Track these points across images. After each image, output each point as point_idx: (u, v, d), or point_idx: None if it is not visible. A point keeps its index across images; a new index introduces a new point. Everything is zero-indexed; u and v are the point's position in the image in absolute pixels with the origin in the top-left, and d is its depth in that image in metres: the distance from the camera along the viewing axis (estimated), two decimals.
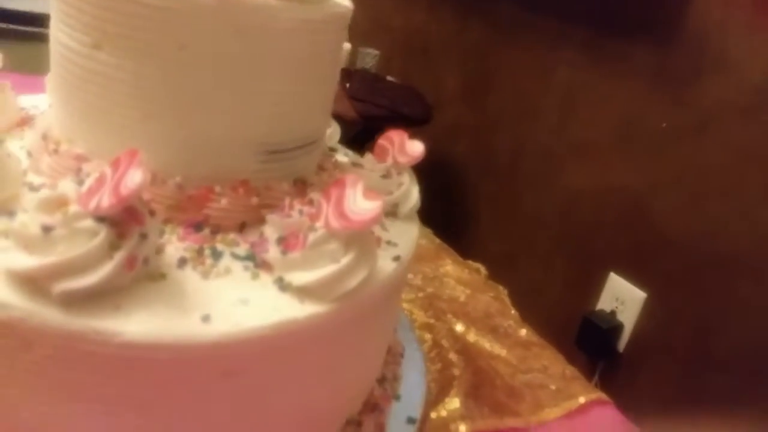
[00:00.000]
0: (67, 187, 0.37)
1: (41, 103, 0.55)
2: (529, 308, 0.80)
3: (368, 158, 0.56)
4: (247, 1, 0.41)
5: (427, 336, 0.67)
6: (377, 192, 0.42)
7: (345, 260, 0.40)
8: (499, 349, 0.68)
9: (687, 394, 1.09)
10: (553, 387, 0.63)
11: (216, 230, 0.44)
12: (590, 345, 1.23)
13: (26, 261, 0.34)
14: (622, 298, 1.24)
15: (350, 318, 0.42)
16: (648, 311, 1.20)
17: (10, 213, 0.39)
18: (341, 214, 0.40)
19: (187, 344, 0.35)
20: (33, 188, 0.43)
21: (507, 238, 1.49)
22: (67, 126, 0.45)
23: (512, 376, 0.64)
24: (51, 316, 0.34)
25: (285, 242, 0.41)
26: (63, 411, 0.36)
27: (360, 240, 0.41)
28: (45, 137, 0.46)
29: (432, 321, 0.69)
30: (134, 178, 0.34)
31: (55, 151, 0.44)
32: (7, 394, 0.36)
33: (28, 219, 0.35)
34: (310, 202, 0.43)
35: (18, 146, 0.48)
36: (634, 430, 0.61)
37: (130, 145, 0.37)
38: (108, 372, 0.35)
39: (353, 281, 0.40)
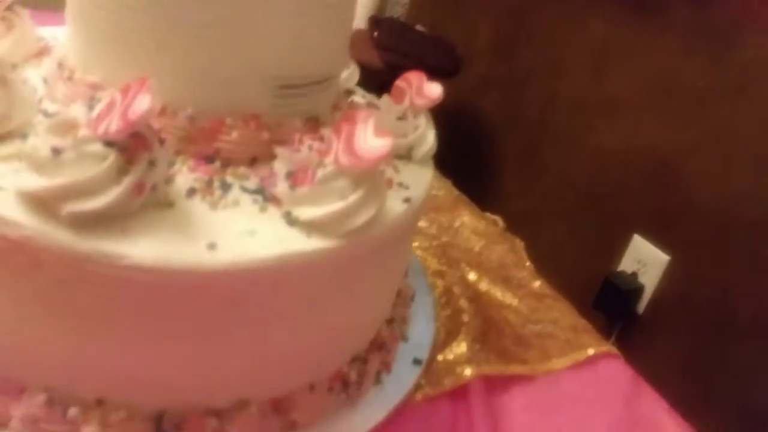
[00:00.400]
0: (77, 111, 0.37)
1: (60, 34, 0.55)
2: (548, 267, 0.79)
3: (385, 99, 0.55)
4: None
5: (439, 282, 0.67)
6: (390, 131, 0.41)
7: (353, 197, 0.40)
8: (510, 299, 0.68)
9: (707, 358, 1.08)
10: (562, 338, 0.63)
11: (227, 163, 0.44)
12: (609, 306, 1.22)
13: (36, 182, 0.35)
14: (645, 260, 1.22)
15: (356, 255, 0.42)
16: (670, 274, 1.18)
17: (24, 137, 0.39)
18: (351, 151, 0.40)
19: (191, 270, 0.36)
20: (47, 115, 0.43)
21: (529, 195, 1.47)
22: (82, 55, 0.45)
23: (522, 325, 0.64)
24: (60, 236, 0.34)
25: (294, 177, 0.41)
26: (70, 330, 0.37)
27: (369, 178, 0.41)
28: (61, 65, 0.46)
29: (444, 268, 0.69)
30: (142, 103, 0.34)
31: (70, 79, 0.44)
32: (17, 312, 0.38)
33: (39, 142, 0.36)
34: (321, 138, 0.42)
35: (35, 74, 0.48)
36: (643, 385, 0.60)
37: (143, 75, 0.36)
38: (113, 294, 0.36)
39: (360, 219, 0.40)
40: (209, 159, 0.43)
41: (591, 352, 0.62)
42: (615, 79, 1.26)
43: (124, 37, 0.43)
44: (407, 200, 0.46)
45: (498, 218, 0.85)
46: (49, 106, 0.44)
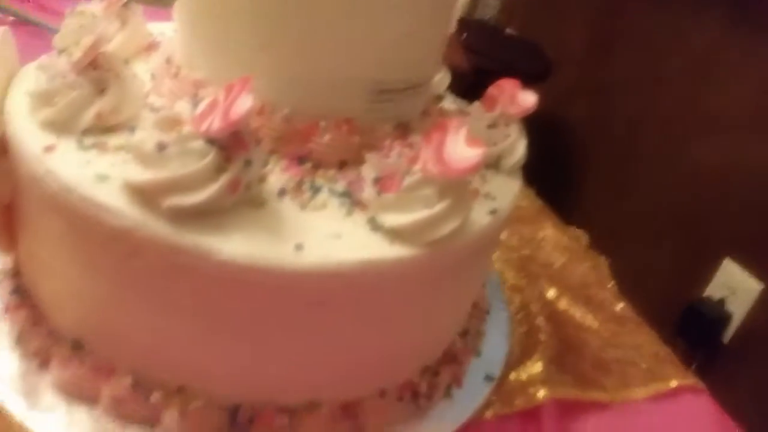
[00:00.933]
0: (182, 108, 0.38)
1: (168, 30, 0.57)
2: (629, 287, 0.76)
3: (476, 106, 0.54)
4: None
5: (516, 297, 0.66)
6: (481, 140, 0.40)
7: (438, 207, 0.40)
8: (591, 321, 0.65)
9: None
10: (643, 366, 0.60)
11: (317, 165, 0.44)
12: (692, 333, 1.16)
13: (141, 175, 0.37)
14: (735, 287, 1.15)
15: (438, 265, 0.42)
16: (763, 304, 1.11)
17: (132, 130, 0.42)
18: (440, 160, 0.40)
19: (279, 270, 0.36)
20: (153, 109, 0.45)
21: (614, 210, 1.42)
22: (189, 52, 0.47)
23: (601, 349, 0.61)
24: (159, 228, 0.36)
25: (381, 183, 0.41)
26: (159, 318, 0.39)
27: (456, 188, 0.40)
28: (168, 61, 0.48)
29: (523, 283, 0.68)
30: (243, 104, 0.35)
31: (176, 75, 0.46)
32: (113, 296, 0.40)
33: (146, 136, 0.37)
34: (411, 145, 0.42)
35: (144, 69, 0.50)
36: (731, 425, 0.57)
37: (245, 74, 0.38)
38: (203, 287, 0.37)
39: (445, 229, 0.40)
40: (301, 160, 0.44)
41: (674, 384, 0.58)
42: (718, 92, 1.19)
43: (228, 36, 0.44)
44: (493, 212, 0.45)
45: (582, 233, 0.82)
46: (156, 101, 0.46)
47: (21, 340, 0.45)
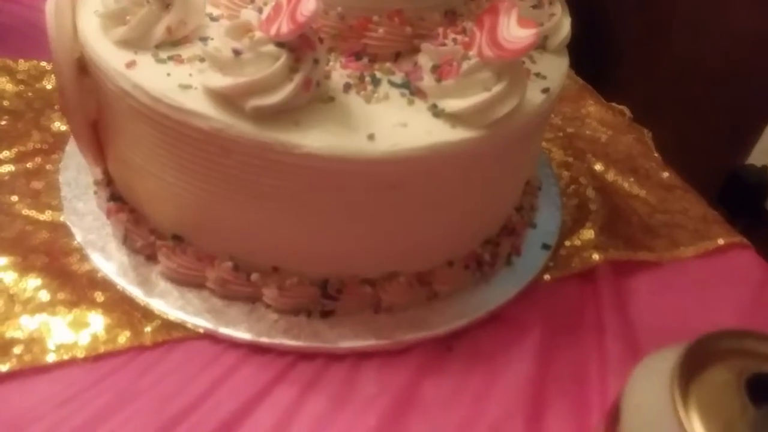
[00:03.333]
0: (249, 15, 0.41)
1: None
2: (670, 158, 0.77)
3: None
4: None
5: (565, 173, 0.68)
6: (532, 20, 0.42)
7: (496, 89, 0.42)
8: (638, 189, 0.68)
9: None
10: (691, 227, 0.63)
11: (374, 59, 0.47)
12: (733, 201, 1.18)
13: (222, 80, 0.40)
14: None
15: (497, 145, 0.45)
16: None
17: (202, 39, 0.44)
18: (494, 43, 0.42)
19: (356, 158, 0.40)
20: (213, 18, 0.48)
21: (654, 81, 1.39)
22: None
23: (650, 215, 0.65)
24: (244, 128, 0.40)
25: (439, 70, 0.43)
26: (251, 208, 0.44)
27: (511, 69, 0.43)
28: None
29: (571, 159, 0.70)
30: (309, 5, 0.38)
31: None
32: (209, 193, 0.45)
33: (221, 44, 0.40)
34: (463, 31, 0.44)
35: None
36: None
37: None
38: (290, 178, 0.41)
39: (503, 110, 0.43)
40: (358, 56, 0.47)
41: (721, 242, 0.62)
42: None
43: None
44: (545, 90, 0.47)
45: (625, 108, 0.83)
46: (213, 11, 0.49)
47: (127, 239, 0.51)
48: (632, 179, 0.70)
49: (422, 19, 0.48)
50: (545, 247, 0.58)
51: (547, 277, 0.56)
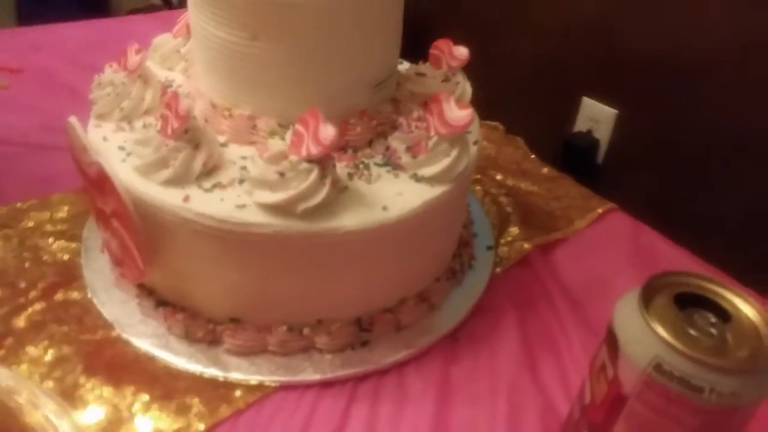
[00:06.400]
0: (277, 144, 0.55)
1: (174, 78, 0.71)
2: (523, 138, 0.98)
3: (426, 67, 0.73)
4: None
5: (478, 188, 0.89)
6: (466, 103, 0.61)
7: (453, 153, 0.60)
8: (531, 186, 0.91)
9: (663, 191, 1.31)
10: (576, 205, 0.87)
11: (355, 149, 0.63)
12: (573, 163, 1.41)
13: (273, 196, 0.54)
14: (596, 118, 1.38)
15: (461, 189, 0.63)
16: (619, 125, 1.34)
17: (232, 164, 0.58)
18: (444, 123, 0.60)
19: (379, 226, 0.56)
20: (222, 145, 0.61)
21: (490, 83, 1.64)
22: (230, 96, 0.62)
23: (547, 203, 0.87)
24: (298, 226, 0.54)
25: (412, 150, 0.60)
26: (300, 282, 0.58)
27: (460, 138, 0.61)
28: (214, 106, 0.63)
29: (478, 176, 0.91)
30: (329, 131, 0.53)
31: (230, 116, 0.62)
32: (263, 280, 0.58)
33: (263, 170, 0.54)
34: (419, 119, 0.62)
35: None
36: (644, 228, 0.84)
37: (287, 104, 0.57)
38: (331, 253, 0.57)
39: (460, 166, 0.61)
40: (344, 150, 0.62)
41: (600, 210, 0.86)
42: None
43: (269, 79, 0.60)
44: (475, 142, 0.67)
45: (498, 123, 1.06)
46: (220, 138, 0.62)
47: (188, 334, 0.63)
48: (525, 180, 0.92)
49: (380, 112, 0.65)
50: (489, 248, 0.78)
51: (498, 270, 0.76)
